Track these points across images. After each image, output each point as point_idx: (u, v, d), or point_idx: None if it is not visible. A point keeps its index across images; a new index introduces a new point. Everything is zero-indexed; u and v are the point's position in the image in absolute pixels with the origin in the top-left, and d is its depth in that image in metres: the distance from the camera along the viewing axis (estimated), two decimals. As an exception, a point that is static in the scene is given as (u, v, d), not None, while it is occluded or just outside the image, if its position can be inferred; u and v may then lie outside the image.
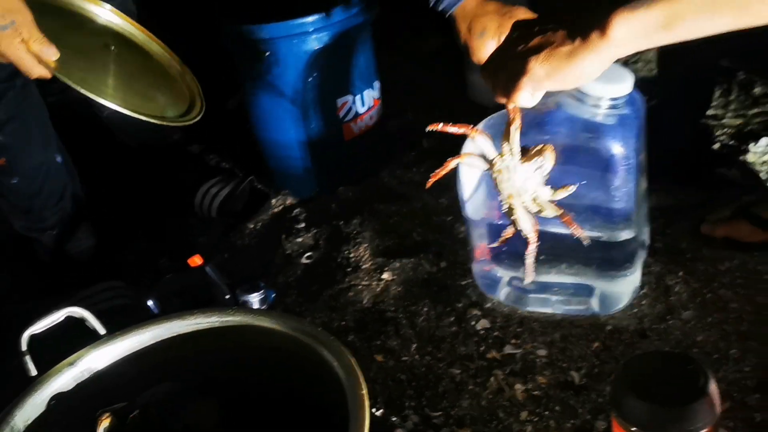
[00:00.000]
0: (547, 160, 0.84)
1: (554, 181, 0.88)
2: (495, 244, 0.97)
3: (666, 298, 1.24)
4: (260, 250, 1.60)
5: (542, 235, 0.92)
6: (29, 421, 0.77)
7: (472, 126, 0.88)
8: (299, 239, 1.57)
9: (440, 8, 1.23)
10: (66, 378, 0.81)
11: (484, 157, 0.90)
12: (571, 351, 1.16)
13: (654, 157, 1.54)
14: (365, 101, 1.67)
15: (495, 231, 1.09)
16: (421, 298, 1.34)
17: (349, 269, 1.44)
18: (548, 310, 1.23)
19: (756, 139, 1.66)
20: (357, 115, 1.67)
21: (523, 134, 0.85)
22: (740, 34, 0.65)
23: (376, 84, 1.70)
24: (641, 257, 1.24)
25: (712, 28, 0.64)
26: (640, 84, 1.10)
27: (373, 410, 1.12)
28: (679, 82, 1.59)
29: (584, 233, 0.88)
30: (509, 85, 0.75)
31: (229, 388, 0.81)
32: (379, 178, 1.74)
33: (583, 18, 0.69)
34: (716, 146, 1.70)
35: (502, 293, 1.27)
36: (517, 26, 0.77)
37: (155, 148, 1.73)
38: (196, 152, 1.87)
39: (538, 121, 1.02)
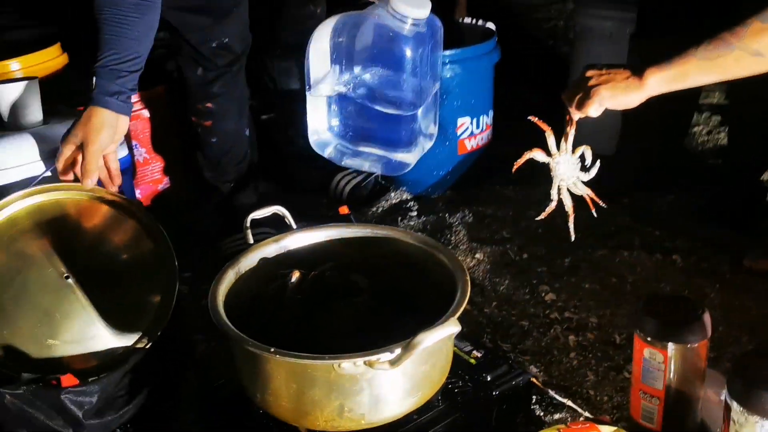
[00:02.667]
0: (587, 155, 1.21)
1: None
2: (540, 217, 1.28)
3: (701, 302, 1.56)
4: (379, 228, 2.00)
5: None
6: (246, 270, 1.19)
7: (550, 128, 1.24)
8: (411, 222, 1.97)
9: None
10: (270, 249, 1.23)
11: (547, 151, 1.25)
12: (617, 322, 1.50)
13: (715, 203, 1.87)
14: (480, 124, 2.07)
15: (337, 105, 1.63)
16: (503, 275, 1.70)
17: (449, 247, 1.82)
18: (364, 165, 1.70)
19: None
20: (471, 134, 2.07)
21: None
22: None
23: (491, 112, 2.11)
24: (422, 142, 1.69)
25: (708, 81, 1.07)
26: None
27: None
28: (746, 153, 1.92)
29: (600, 202, 1.22)
30: (584, 101, 1.14)
31: (373, 274, 1.20)
32: (481, 188, 2.12)
33: (634, 69, 1.12)
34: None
35: (327, 151, 1.66)
36: (589, 68, 1.18)
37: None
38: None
39: (357, 23, 1.52)
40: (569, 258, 1.74)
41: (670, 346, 1.08)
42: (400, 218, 1.99)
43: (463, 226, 1.91)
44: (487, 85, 2.08)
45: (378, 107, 1.59)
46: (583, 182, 1.23)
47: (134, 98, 2.00)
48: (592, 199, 1.23)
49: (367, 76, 1.60)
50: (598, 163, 1.21)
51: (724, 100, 2.49)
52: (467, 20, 2.20)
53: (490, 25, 2.13)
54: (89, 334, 1.36)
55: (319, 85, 1.62)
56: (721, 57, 1.03)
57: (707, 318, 1.09)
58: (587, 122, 2.14)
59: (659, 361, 1.08)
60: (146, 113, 2.02)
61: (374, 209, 2.08)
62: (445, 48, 1.94)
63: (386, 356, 0.95)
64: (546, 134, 1.21)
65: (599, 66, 1.15)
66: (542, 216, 1.25)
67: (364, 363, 0.95)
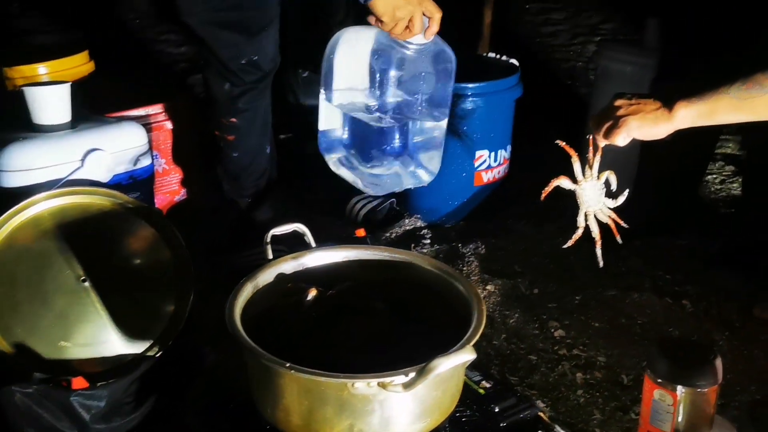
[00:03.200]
0: (612, 180, 1.22)
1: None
2: (567, 245, 1.25)
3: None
4: (391, 253, 2.01)
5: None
6: (264, 284, 1.20)
7: (576, 154, 1.23)
8: (424, 250, 1.98)
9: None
10: (288, 266, 1.24)
11: (573, 178, 1.24)
12: (626, 362, 1.50)
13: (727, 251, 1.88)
14: (498, 158, 2.09)
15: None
16: (513, 308, 1.71)
17: (461, 277, 1.83)
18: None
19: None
20: (489, 167, 2.09)
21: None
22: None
23: (509, 147, 2.13)
24: (420, 174, 1.74)
25: (736, 120, 1.07)
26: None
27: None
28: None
29: (623, 224, 1.24)
30: (611, 130, 1.15)
31: (390, 297, 1.21)
32: (496, 220, 2.13)
33: (664, 100, 1.12)
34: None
35: (331, 162, 1.68)
36: (618, 96, 1.18)
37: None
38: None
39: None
40: (580, 296, 1.75)
41: (680, 389, 1.08)
42: (413, 245, 2.00)
43: (476, 257, 1.92)
44: (507, 119, 2.10)
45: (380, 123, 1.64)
46: (608, 214, 1.23)
47: (157, 109, 2.06)
48: (617, 224, 1.23)
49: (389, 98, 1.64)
50: (626, 192, 1.22)
51: (738, 150, 2.51)
52: (491, 55, 2.24)
53: (514, 61, 2.16)
54: (102, 338, 1.37)
55: (344, 93, 1.64)
56: (753, 98, 1.04)
57: (719, 363, 1.09)
58: (604, 162, 2.16)
59: (669, 404, 1.09)
60: (169, 125, 2.05)
61: (388, 234, 2.09)
62: (469, 81, 1.97)
63: (400, 379, 0.95)
64: (572, 160, 1.21)
65: (629, 95, 1.16)
66: (569, 243, 1.24)
67: (378, 384, 0.96)
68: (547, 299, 1.75)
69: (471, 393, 1.20)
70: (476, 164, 2.08)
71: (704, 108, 1.07)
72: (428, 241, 2.03)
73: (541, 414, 1.23)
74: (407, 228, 2.12)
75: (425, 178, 1.75)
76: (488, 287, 1.79)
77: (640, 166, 2.09)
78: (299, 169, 2.28)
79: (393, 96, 1.64)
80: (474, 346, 1.03)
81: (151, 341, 1.38)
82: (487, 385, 1.22)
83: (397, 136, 1.71)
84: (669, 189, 2.10)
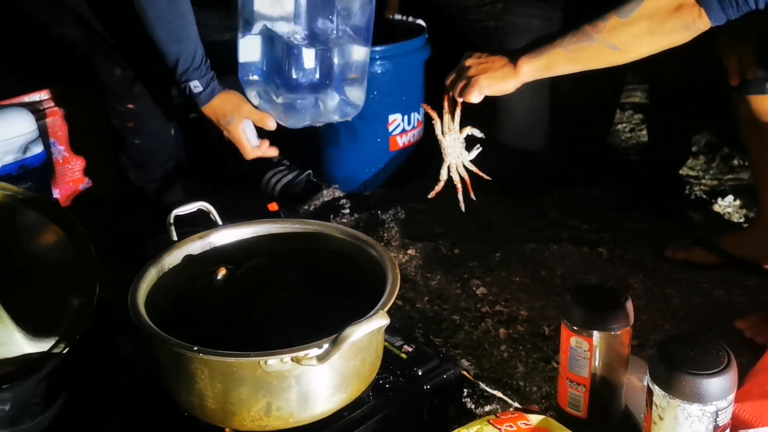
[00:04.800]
0: (475, 133, 1.30)
1: None
2: (430, 196, 1.37)
3: (625, 290, 1.60)
4: (311, 225, 1.98)
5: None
6: (170, 267, 1.15)
7: (436, 114, 1.31)
8: (344, 220, 1.96)
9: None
10: (195, 246, 1.19)
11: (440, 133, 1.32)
12: (547, 313, 1.52)
13: (638, 197, 1.94)
14: (411, 121, 2.07)
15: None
16: (435, 270, 1.71)
17: (382, 243, 1.80)
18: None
19: (724, 196, 2.03)
20: (403, 131, 2.07)
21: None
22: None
23: (422, 109, 2.11)
24: (343, 108, 1.69)
25: (574, 70, 1.14)
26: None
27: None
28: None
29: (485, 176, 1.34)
30: (466, 89, 1.22)
31: (303, 269, 1.18)
32: (413, 184, 2.12)
33: (510, 56, 1.19)
34: (692, 197, 2.07)
35: (252, 95, 1.63)
36: (468, 56, 1.24)
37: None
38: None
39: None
40: (500, 252, 1.76)
41: (595, 333, 1.09)
42: (332, 216, 1.97)
43: (396, 223, 1.90)
44: (417, 81, 2.08)
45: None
46: (469, 167, 1.33)
47: (46, 95, 1.94)
48: (472, 180, 1.34)
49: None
50: (479, 146, 1.32)
51: (645, 99, 2.58)
52: (398, 17, 2.21)
53: (421, 22, 2.14)
54: (3, 339, 1.29)
55: (263, 19, 1.58)
56: (582, 49, 1.10)
57: (630, 306, 1.11)
58: (517, 119, 2.18)
59: (585, 349, 1.10)
60: (62, 110, 1.95)
61: (306, 207, 2.05)
62: (375, 44, 1.93)
63: (314, 351, 0.93)
64: (433, 121, 1.30)
65: (477, 54, 1.23)
66: (432, 195, 1.36)
67: (291, 359, 0.93)
68: (469, 258, 1.76)
69: (393, 358, 1.18)
70: (390, 129, 2.05)
71: (544, 61, 1.14)
72: (347, 210, 2.00)
73: (464, 372, 1.23)
74: (326, 199, 2.09)
75: (350, 111, 1.71)
76: (409, 251, 1.78)
77: (552, 119, 2.12)
78: (212, 145, 2.21)
79: (311, 20, 1.58)
80: (394, 312, 1.02)
81: (57, 338, 1.31)
82: (409, 349, 1.21)
83: (316, 65, 1.64)
84: (580, 140, 2.14)
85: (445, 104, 1.28)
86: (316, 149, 2.16)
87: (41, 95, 1.92)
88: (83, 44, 1.70)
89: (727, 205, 2.00)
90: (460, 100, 1.25)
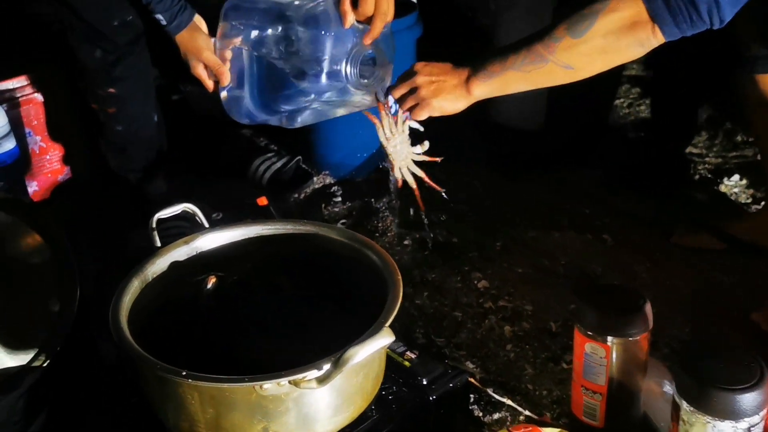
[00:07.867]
0: (414, 125, 1.25)
1: None
2: (393, 189, 1.31)
3: (632, 281, 1.54)
4: (302, 216, 1.89)
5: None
6: (155, 276, 1.07)
7: (377, 120, 1.28)
8: (336, 209, 1.87)
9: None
10: (180, 252, 1.11)
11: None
12: (552, 307, 1.45)
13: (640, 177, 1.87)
14: (404, 102, 1.98)
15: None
16: (433, 261, 1.63)
17: (377, 234, 1.74)
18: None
19: (730, 175, 1.97)
20: (395, 113, 1.97)
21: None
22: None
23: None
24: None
25: (527, 89, 1.13)
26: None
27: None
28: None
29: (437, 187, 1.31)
30: (415, 108, 1.21)
31: (297, 273, 1.10)
32: (408, 169, 2.04)
33: (461, 76, 1.15)
34: (696, 177, 2.00)
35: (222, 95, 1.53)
36: (416, 71, 1.21)
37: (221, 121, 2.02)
38: (247, 134, 2.18)
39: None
40: (500, 241, 1.69)
41: (611, 339, 1.03)
42: (324, 204, 1.88)
43: (390, 211, 1.82)
44: (409, 60, 1.96)
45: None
46: (419, 162, 1.28)
47: (23, 81, 1.83)
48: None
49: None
50: (426, 142, 1.27)
51: (643, 71, 2.49)
52: (387, -7, 2.09)
53: (411, -1, 2.03)
54: (-21, 353, 1.21)
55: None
56: (536, 70, 1.08)
57: (648, 308, 1.04)
58: (513, 97, 2.10)
59: (601, 356, 1.04)
60: (39, 97, 1.84)
61: (297, 195, 1.97)
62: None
63: (313, 374, 0.86)
64: (376, 127, 1.26)
65: (428, 69, 1.19)
66: (395, 201, 1.35)
67: (289, 382, 0.85)
68: (468, 248, 1.68)
69: (395, 366, 1.11)
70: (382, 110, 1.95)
71: (497, 84, 1.13)
72: (339, 198, 1.92)
73: (471, 380, 1.17)
74: (317, 187, 2.00)
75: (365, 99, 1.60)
76: (405, 242, 1.71)
77: (549, 98, 2.04)
78: (196, 131, 2.11)
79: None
80: (392, 325, 0.94)
81: (37, 348, 1.23)
82: (412, 356, 1.14)
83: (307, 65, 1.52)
84: (578, 117, 2.06)
85: (381, 111, 1.27)
86: (304, 132, 2.06)
87: (14, 83, 1.82)
88: (59, 23, 1.60)
89: (733, 185, 1.93)
90: (406, 116, 1.24)
